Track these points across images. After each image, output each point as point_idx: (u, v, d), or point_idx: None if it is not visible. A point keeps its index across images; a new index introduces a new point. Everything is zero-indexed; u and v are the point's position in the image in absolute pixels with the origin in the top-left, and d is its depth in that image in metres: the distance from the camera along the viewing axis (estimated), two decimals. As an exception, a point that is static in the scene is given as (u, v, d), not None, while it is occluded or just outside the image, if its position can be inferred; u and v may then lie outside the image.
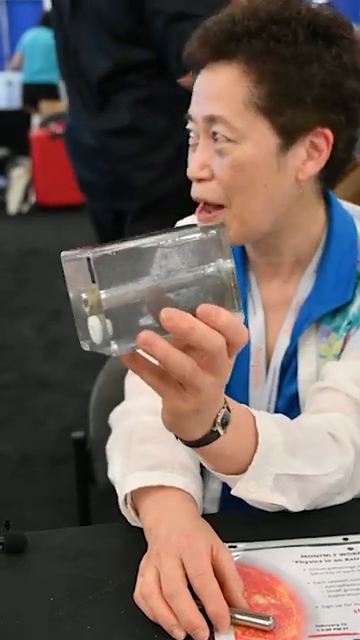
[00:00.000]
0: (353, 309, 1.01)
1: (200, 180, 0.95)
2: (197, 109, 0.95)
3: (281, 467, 0.82)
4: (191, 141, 0.98)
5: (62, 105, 6.68)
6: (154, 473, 0.87)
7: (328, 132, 0.93)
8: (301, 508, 0.87)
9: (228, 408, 0.74)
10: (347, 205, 1.07)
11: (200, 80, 0.95)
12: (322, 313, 1.00)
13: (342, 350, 1.01)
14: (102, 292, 0.61)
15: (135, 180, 1.95)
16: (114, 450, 0.98)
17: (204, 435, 0.73)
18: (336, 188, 1.18)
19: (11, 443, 2.78)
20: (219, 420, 0.73)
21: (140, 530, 0.85)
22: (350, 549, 0.82)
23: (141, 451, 0.92)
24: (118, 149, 1.95)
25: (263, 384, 1.05)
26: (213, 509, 1.09)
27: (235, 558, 0.81)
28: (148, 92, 1.89)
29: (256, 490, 0.82)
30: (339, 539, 0.84)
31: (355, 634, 0.70)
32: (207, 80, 0.94)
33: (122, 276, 0.62)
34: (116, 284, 0.62)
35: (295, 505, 0.86)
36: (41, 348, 3.64)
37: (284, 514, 0.85)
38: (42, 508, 2.34)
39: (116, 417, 1.05)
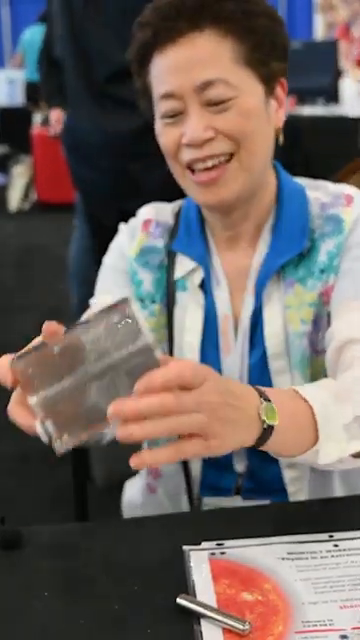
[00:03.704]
0: (321, 258, 1.06)
1: (205, 141, 0.98)
2: (182, 81, 0.97)
3: (342, 415, 0.83)
4: (170, 117, 1.00)
5: (63, 103, 6.68)
6: None
7: (284, 80, 1.03)
8: None
9: (267, 398, 0.76)
10: (295, 178, 1.13)
11: (173, 54, 0.97)
12: (280, 264, 1.06)
13: (322, 301, 1.05)
14: (32, 398, 0.68)
15: (146, 179, 1.96)
16: None
17: (257, 436, 0.75)
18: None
19: (9, 439, 2.78)
20: (263, 416, 0.75)
21: (135, 526, 0.86)
22: (336, 546, 0.84)
23: None
24: (133, 148, 1.96)
25: (234, 350, 1.09)
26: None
27: (222, 556, 0.83)
28: None
29: (337, 449, 0.82)
30: (325, 536, 0.85)
31: (340, 630, 0.71)
32: (186, 51, 0.97)
33: (52, 375, 0.68)
34: (47, 384, 0.68)
35: None
36: (41, 345, 3.65)
37: (271, 511, 0.87)
38: (39, 504, 2.35)
39: None
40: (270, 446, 0.77)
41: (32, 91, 7.19)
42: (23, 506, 2.34)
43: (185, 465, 1.16)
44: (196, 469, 1.15)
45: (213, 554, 0.83)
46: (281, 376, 1.08)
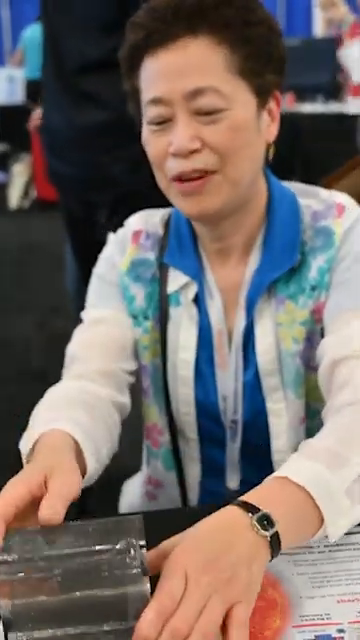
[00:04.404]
0: (312, 274, 1.03)
1: (191, 152, 0.94)
2: (172, 87, 0.93)
3: (342, 483, 0.78)
4: (157, 124, 0.96)
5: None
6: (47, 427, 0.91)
7: (278, 94, 1.00)
8: None
9: (256, 509, 0.72)
10: (286, 183, 1.10)
11: (165, 58, 0.93)
12: (272, 279, 1.03)
13: (314, 319, 1.03)
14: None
15: (114, 171, 1.97)
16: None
17: (268, 549, 0.72)
18: (339, 185, 1.20)
19: (11, 438, 2.80)
20: (261, 530, 0.71)
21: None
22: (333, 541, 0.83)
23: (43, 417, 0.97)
24: (101, 142, 1.97)
25: (228, 365, 1.07)
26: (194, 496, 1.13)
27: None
28: None
29: (345, 521, 0.78)
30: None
31: (337, 624, 0.72)
32: (178, 56, 0.92)
33: (34, 590, 0.64)
34: (26, 596, 0.64)
35: None
36: (41, 344, 3.66)
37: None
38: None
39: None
40: (284, 547, 0.74)
41: (32, 89, 7.19)
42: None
43: (181, 477, 1.16)
44: (194, 479, 1.15)
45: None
46: (275, 393, 1.06)
